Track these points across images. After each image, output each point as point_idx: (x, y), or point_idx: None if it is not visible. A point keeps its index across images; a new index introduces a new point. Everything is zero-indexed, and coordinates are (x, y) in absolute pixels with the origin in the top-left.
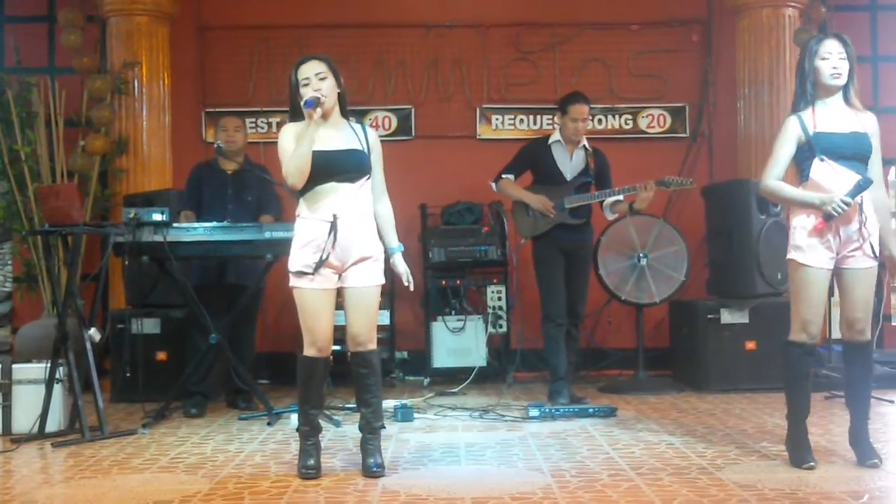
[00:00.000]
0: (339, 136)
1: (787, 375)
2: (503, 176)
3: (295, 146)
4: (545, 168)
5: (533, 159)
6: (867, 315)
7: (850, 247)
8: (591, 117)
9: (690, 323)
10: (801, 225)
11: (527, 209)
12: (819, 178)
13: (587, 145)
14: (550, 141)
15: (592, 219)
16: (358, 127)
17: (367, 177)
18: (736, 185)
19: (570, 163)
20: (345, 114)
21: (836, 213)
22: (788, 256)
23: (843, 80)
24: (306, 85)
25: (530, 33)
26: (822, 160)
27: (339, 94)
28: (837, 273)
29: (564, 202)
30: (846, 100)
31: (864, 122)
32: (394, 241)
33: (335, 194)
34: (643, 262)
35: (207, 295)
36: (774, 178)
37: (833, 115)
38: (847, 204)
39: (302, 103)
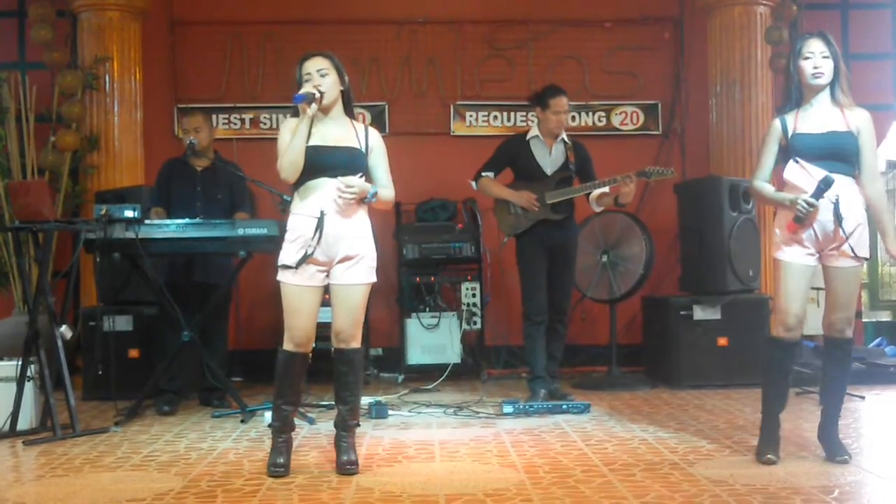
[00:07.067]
0: (337, 132)
1: (763, 369)
2: (483, 174)
3: (289, 140)
4: (525, 164)
5: (512, 156)
6: (847, 314)
7: (830, 245)
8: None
9: (663, 319)
10: (780, 224)
11: (509, 207)
12: (791, 179)
13: (566, 138)
14: (529, 136)
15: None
16: (360, 126)
17: (360, 175)
18: (708, 181)
19: (549, 157)
20: (349, 112)
21: (800, 213)
22: (773, 254)
23: (825, 80)
24: (308, 80)
25: (504, 30)
26: (796, 161)
27: (342, 91)
28: (823, 270)
29: (546, 197)
30: (833, 98)
31: (852, 120)
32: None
33: (324, 189)
34: (604, 258)
35: (178, 292)
36: (758, 179)
37: (815, 116)
38: (811, 204)
39: (293, 99)
